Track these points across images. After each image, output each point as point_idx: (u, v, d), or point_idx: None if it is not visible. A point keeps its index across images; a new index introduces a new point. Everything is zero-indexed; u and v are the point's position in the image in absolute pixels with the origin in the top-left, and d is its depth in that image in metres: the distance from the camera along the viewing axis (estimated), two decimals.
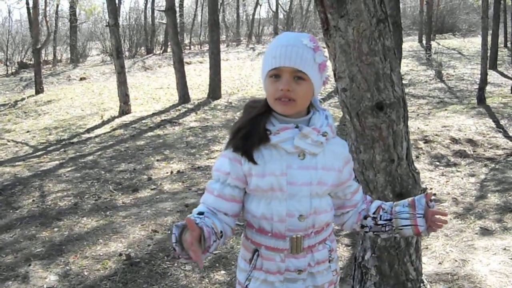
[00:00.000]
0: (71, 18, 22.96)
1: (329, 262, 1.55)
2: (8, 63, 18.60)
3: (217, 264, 3.42)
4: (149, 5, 26.71)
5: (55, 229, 4.21)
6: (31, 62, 16.80)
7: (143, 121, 9.33)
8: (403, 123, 2.36)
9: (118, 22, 10.67)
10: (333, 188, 1.53)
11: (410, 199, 1.59)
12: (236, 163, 1.45)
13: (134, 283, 3.23)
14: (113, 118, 9.79)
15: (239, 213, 1.52)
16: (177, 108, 10.43)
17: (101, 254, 3.68)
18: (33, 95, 13.41)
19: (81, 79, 16.38)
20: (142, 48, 23.82)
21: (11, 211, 4.74)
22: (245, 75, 15.22)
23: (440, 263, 3.29)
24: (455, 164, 5.52)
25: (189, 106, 10.52)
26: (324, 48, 1.65)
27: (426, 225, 1.53)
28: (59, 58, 21.87)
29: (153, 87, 14.01)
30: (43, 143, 8.17)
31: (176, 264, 3.44)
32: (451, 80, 11.80)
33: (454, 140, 6.22)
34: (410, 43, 19.35)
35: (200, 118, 9.28)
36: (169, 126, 8.78)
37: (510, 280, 3.02)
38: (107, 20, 10.58)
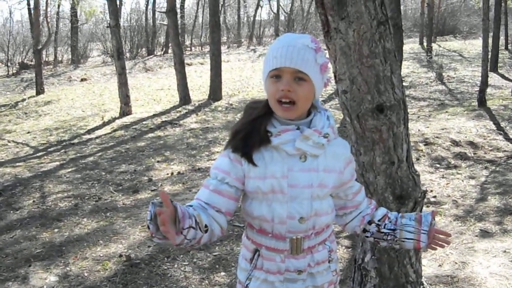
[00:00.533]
0: (72, 19, 23.02)
1: (329, 262, 1.55)
2: (9, 64, 18.64)
3: (217, 266, 3.42)
4: (150, 6, 26.84)
5: (55, 230, 4.22)
6: (32, 63, 16.83)
7: (144, 122, 9.33)
8: (403, 125, 2.36)
9: (119, 23, 10.68)
10: (334, 190, 1.53)
11: (417, 214, 1.64)
12: (236, 163, 1.44)
13: (134, 284, 3.22)
14: (114, 119, 9.80)
15: (233, 212, 1.49)
16: (177, 109, 10.44)
17: (101, 255, 3.68)
18: (33, 96, 13.44)
19: (81, 80, 16.41)
20: (143, 49, 23.90)
21: (11, 211, 4.74)
22: (245, 76, 15.24)
23: (440, 265, 3.29)
24: (455, 166, 5.52)
25: (190, 107, 10.53)
26: (325, 49, 1.65)
27: (428, 242, 1.59)
28: (60, 59, 21.93)
29: (153, 88, 14.03)
30: (43, 144, 8.17)
31: (176, 266, 3.44)
32: (451, 82, 11.79)
33: (455, 142, 6.22)
34: (411, 45, 19.40)
35: (200, 120, 9.28)
36: (170, 127, 8.78)
37: (510, 283, 3.01)
38: (108, 21, 10.60)
